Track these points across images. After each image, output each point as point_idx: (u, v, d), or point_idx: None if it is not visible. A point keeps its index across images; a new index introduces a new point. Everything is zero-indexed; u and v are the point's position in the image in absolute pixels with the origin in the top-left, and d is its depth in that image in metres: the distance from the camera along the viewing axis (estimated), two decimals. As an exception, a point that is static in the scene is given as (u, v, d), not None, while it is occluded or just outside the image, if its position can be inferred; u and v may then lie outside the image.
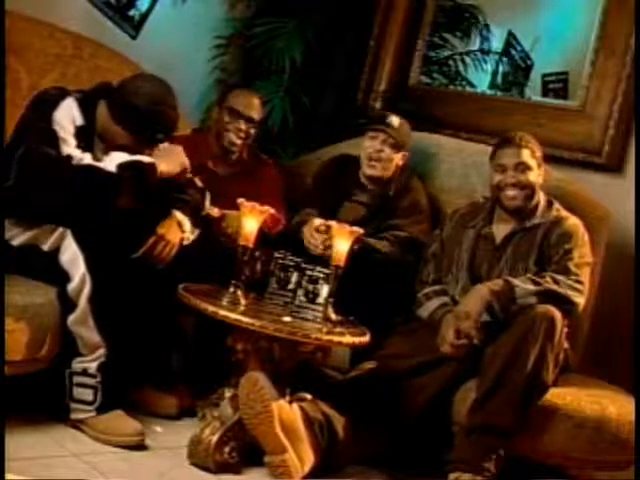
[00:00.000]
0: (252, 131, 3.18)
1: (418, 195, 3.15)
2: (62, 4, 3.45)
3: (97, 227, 2.41)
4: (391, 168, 3.14)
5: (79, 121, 2.51)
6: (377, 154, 3.11)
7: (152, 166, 2.52)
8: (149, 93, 2.55)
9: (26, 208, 2.45)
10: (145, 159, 2.52)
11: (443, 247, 2.89)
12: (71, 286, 2.38)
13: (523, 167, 2.75)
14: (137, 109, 2.53)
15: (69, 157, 2.42)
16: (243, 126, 3.14)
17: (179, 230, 2.61)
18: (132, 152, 2.53)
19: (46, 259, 2.44)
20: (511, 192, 2.75)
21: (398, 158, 3.15)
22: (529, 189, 2.75)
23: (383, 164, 3.12)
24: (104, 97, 2.58)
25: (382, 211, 3.11)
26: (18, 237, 2.49)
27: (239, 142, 3.16)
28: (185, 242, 2.62)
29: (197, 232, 2.69)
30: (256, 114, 3.19)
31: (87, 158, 2.46)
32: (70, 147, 2.45)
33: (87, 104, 2.55)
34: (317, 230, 2.88)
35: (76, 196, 2.41)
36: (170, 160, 2.59)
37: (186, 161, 2.64)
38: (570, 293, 2.59)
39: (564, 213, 2.79)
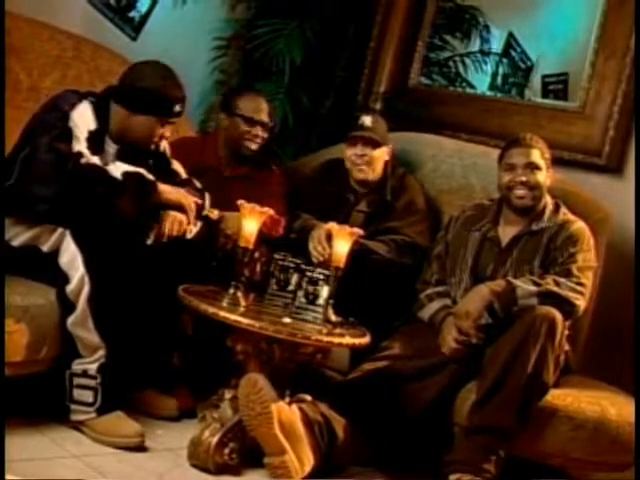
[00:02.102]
0: (265, 135, 3.23)
1: (413, 194, 3.14)
2: (62, 6, 3.46)
3: (97, 227, 2.41)
4: (379, 167, 3.13)
5: (92, 125, 2.54)
6: (360, 158, 3.10)
7: (154, 183, 2.55)
8: (153, 73, 2.60)
9: (27, 205, 2.45)
10: (148, 175, 2.55)
11: (447, 249, 2.88)
12: (70, 287, 2.39)
13: (533, 167, 2.73)
14: (148, 90, 2.57)
15: (79, 154, 2.44)
16: (260, 132, 3.19)
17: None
18: (152, 142, 2.63)
19: (46, 260, 2.45)
20: (520, 191, 2.73)
21: (382, 154, 3.13)
22: (538, 190, 2.74)
23: (370, 166, 3.11)
24: (113, 98, 2.61)
25: (380, 214, 3.10)
26: (18, 238, 2.50)
27: (256, 148, 3.21)
28: (188, 235, 2.62)
29: (199, 225, 2.69)
30: (268, 117, 3.24)
31: (95, 159, 2.49)
32: (82, 146, 2.47)
33: (100, 108, 2.58)
34: (327, 238, 2.83)
35: (79, 192, 2.42)
36: (181, 194, 2.62)
37: (192, 203, 2.65)
38: (571, 295, 2.58)
39: (571, 217, 2.77)
